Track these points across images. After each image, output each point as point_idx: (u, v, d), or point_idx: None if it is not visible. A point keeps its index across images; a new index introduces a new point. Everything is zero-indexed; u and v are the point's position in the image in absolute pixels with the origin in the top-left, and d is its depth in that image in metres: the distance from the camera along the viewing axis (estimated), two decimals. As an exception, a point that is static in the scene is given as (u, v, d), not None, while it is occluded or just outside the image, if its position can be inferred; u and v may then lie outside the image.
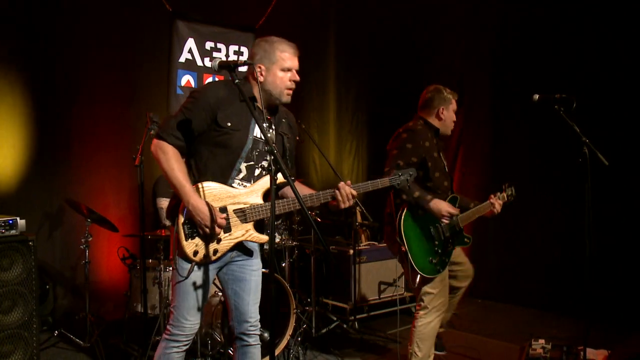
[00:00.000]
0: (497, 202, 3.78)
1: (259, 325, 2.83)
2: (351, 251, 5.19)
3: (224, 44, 5.99)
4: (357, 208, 5.38)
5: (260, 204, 2.64)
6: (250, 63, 2.50)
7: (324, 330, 4.65)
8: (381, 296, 5.46)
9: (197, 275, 2.60)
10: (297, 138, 2.97)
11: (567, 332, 4.73)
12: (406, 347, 3.69)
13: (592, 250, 3.39)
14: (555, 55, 5.52)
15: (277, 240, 4.46)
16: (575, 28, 5.39)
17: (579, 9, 5.34)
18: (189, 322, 2.63)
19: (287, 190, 2.82)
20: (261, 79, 2.67)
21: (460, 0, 6.51)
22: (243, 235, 2.63)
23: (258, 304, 2.83)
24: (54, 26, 5.04)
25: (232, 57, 6.01)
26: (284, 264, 4.63)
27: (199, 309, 2.65)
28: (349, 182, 2.67)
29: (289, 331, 4.13)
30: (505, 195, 3.85)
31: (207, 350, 3.93)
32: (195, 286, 2.61)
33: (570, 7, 5.40)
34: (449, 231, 3.63)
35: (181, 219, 2.55)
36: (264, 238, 2.70)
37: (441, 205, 3.47)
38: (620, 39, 5.12)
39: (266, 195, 2.68)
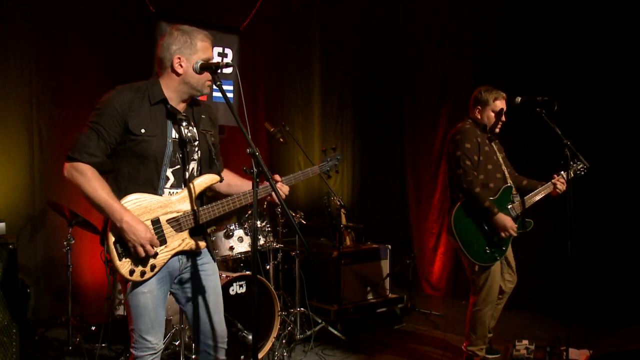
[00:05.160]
0: (559, 182, 3.98)
1: (226, 338, 2.67)
2: (336, 253, 5.19)
3: (208, 45, 5.94)
4: (342, 210, 5.39)
5: (194, 210, 2.50)
6: (232, 65, 2.41)
7: (308, 333, 4.64)
8: (366, 298, 5.47)
9: (147, 294, 2.44)
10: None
11: (550, 332, 4.77)
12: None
13: (574, 251, 3.42)
14: (540, 55, 5.56)
15: (261, 242, 4.45)
16: (560, 27, 5.44)
17: (565, 7, 5.39)
18: (150, 342, 2.47)
19: (238, 187, 2.71)
20: (181, 70, 2.45)
21: (443, 0, 6.55)
22: (180, 245, 2.48)
23: (222, 313, 2.67)
24: (37, 26, 5.00)
25: (217, 59, 5.98)
26: (268, 267, 4.61)
27: (158, 327, 2.50)
28: (276, 175, 2.61)
29: (274, 333, 4.12)
30: (571, 172, 3.97)
31: (191, 353, 3.91)
32: (148, 305, 2.44)
33: (557, 5, 5.45)
34: None
35: (111, 238, 2.35)
36: (201, 244, 2.56)
37: (507, 223, 3.79)
38: (606, 37, 5.17)
39: (198, 200, 2.55)
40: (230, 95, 5.96)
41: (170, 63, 2.46)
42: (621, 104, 5.07)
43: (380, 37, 7.20)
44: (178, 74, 2.46)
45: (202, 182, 2.54)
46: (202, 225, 2.58)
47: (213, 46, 2.58)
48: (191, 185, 2.51)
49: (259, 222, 4.42)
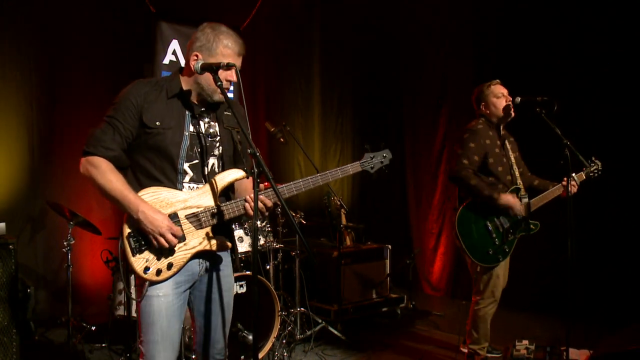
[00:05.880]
0: (569, 184, 3.84)
1: (226, 353, 2.55)
2: (336, 253, 5.19)
3: (208, 45, 5.95)
4: (342, 210, 5.39)
5: (217, 206, 2.35)
6: (233, 65, 2.31)
7: (308, 333, 4.64)
8: (366, 298, 5.46)
9: (161, 298, 2.28)
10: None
11: (550, 332, 4.77)
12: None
13: (574, 251, 3.42)
14: (540, 55, 5.56)
15: (261, 242, 4.45)
16: (560, 27, 5.45)
17: (565, 7, 5.39)
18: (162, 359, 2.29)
19: (244, 190, 2.51)
20: (194, 68, 2.34)
21: (443, 0, 6.56)
22: (200, 243, 2.33)
23: (227, 328, 2.53)
24: (37, 26, 5.01)
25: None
26: (268, 267, 4.61)
27: (168, 342, 2.31)
28: (264, 184, 2.41)
29: (274, 333, 4.11)
30: (583, 174, 3.98)
31: (191, 353, 3.90)
32: (162, 311, 2.28)
33: (557, 5, 5.45)
34: (509, 222, 3.86)
35: (126, 231, 2.24)
36: (225, 245, 2.41)
37: (510, 199, 3.77)
38: (606, 37, 5.18)
39: (222, 196, 2.41)
40: (230, 95, 5.95)
41: (188, 58, 2.38)
42: (621, 104, 5.07)
43: (380, 37, 7.20)
44: (192, 72, 2.37)
45: (225, 177, 2.40)
46: (226, 224, 2.43)
47: (242, 55, 2.43)
48: (213, 180, 2.38)
49: (259, 222, 4.42)
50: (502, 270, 3.94)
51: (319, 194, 6.44)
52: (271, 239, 4.56)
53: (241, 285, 4.01)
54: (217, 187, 2.37)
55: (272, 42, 6.63)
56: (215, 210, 2.35)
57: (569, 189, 3.86)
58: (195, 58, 2.35)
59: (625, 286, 5.02)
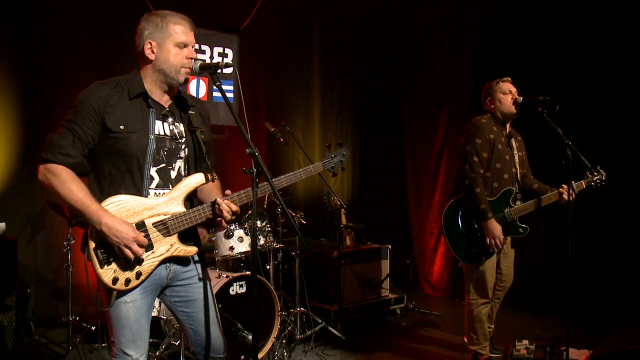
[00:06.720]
0: (565, 192, 3.79)
1: (223, 353, 2.55)
2: (336, 253, 5.19)
3: (208, 45, 5.97)
4: (342, 210, 5.39)
5: (183, 212, 2.32)
6: (232, 65, 2.35)
7: (308, 333, 4.64)
8: (366, 298, 5.46)
9: (129, 304, 2.28)
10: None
11: (550, 332, 4.77)
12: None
13: (574, 251, 3.41)
14: (541, 55, 5.56)
15: (261, 242, 4.45)
16: (560, 27, 5.44)
17: (565, 7, 5.39)
18: (130, 357, 2.28)
19: (206, 192, 2.50)
20: (152, 57, 2.30)
21: (443, 1, 6.56)
22: (168, 250, 2.31)
23: (217, 325, 2.51)
24: (37, 26, 5.01)
25: (217, 59, 6.00)
26: (268, 267, 4.61)
27: (139, 340, 2.31)
28: (227, 191, 2.38)
29: (274, 333, 4.12)
30: (583, 183, 3.90)
31: (191, 353, 3.90)
32: (130, 316, 2.28)
33: (557, 5, 5.45)
34: (498, 223, 3.76)
35: (92, 244, 2.22)
36: (192, 250, 2.39)
37: (496, 232, 3.71)
38: (606, 37, 5.18)
39: (188, 201, 2.38)
40: (230, 95, 5.96)
41: (142, 49, 2.32)
42: (621, 104, 5.07)
43: (380, 37, 7.20)
44: (150, 61, 2.31)
45: (191, 182, 2.37)
46: (193, 229, 2.41)
47: (194, 30, 2.41)
48: (179, 186, 2.35)
49: (259, 222, 4.42)
50: (490, 271, 3.91)
51: (318, 194, 6.43)
52: (271, 239, 4.56)
53: (241, 285, 4.01)
54: (183, 192, 2.35)
55: (272, 42, 6.63)
56: (183, 217, 2.32)
57: (565, 196, 3.80)
58: (150, 46, 2.31)
59: (625, 286, 5.01)
